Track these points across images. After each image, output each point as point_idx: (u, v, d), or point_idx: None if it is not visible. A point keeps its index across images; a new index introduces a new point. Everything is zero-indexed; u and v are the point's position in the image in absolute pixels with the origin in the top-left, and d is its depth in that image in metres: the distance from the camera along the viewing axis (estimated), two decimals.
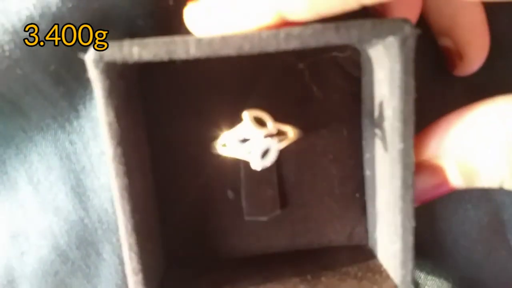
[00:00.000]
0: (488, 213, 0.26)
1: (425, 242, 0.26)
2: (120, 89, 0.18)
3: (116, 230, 0.25)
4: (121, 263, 0.25)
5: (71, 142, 0.24)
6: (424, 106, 0.20)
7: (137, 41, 0.17)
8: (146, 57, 0.17)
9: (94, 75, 0.17)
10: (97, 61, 0.17)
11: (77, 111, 0.24)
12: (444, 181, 0.20)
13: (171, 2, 0.21)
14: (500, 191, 0.25)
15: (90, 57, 0.17)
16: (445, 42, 0.23)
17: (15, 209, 0.25)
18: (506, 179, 0.20)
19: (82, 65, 0.21)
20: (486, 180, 0.20)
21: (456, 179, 0.20)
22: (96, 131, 0.24)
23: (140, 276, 0.20)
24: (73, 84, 0.24)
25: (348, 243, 0.25)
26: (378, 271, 0.23)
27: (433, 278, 0.26)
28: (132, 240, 0.19)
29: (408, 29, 0.17)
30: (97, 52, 0.17)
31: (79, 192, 0.25)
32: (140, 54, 0.17)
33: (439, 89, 0.24)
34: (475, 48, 0.23)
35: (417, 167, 0.20)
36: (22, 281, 0.26)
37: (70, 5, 0.21)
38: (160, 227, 0.23)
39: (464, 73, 0.24)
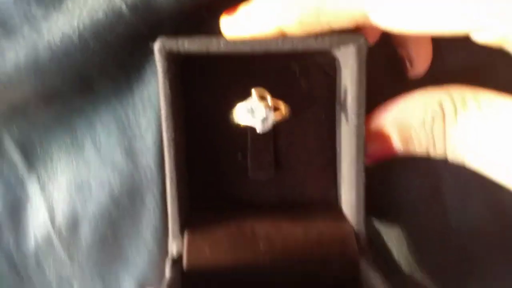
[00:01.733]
0: (430, 183, 0.30)
1: (380, 203, 0.30)
2: (172, 70, 0.24)
3: (157, 183, 0.29)
4: (159, 209, 0.29)
5: (126, 115, 0.28)
6: (385, 97, 0.26)
7: (187, 37, 0.24)
8: (192, 48, 0.23)
9: (158, 58, 0.23)
10: (161, 49, 0.23)
11: (132, 91, 0.28)
12: (390, 145, 0.25)
13: (205, 14, 0.27)
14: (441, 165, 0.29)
15: (156, 46, 0.23)
16: (401, 52, 0.28)
17: (81, 165, 0.29)
18: (430, 149, 0.24)
19: (139, 55, 0.27)
20: (417, 146, 0.24)
21: (397, 144, 0.24)
22: (145, 106, 0.28)
23: (176, 203, 0.25)
24: (132, 69, 0.28)
25: (323, 203, 0.29)
26: (341, 217, 0.27)
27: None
28: (173, 175, 0.25)
29: (362, 41, 0.24)
30: (161, 43, 0.23)
31: (131, 153, 0.28)
32: (189, 46, 0.23)
33: (397, 86, 0.27)
34: (421, 58, 0.28)
35: (369, 136, 0.25)
36: (83, 222, 0.30)
37: (135, 13, 0.25)
38: (189, 177, 0.28)
39: (414, 76, 0.28)
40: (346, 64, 0.26)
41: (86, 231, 0.30)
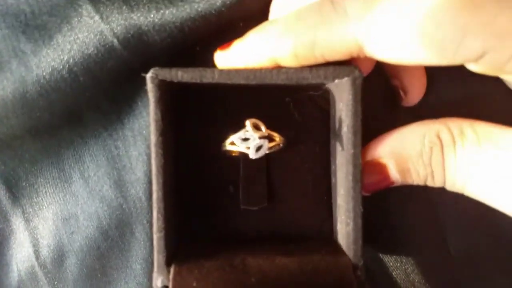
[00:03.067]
0: (427, 210, 0.30)
1: (377, 230, 0.30)
2: (164, 99, 0.24)
3: (146, 214, 0.28)
4: (149, 240, 0.29)
5: (116, 147, 0.28)
6: (379, 126, 0.26)
7: (181, 68, 0.23)
8: (185, 78, 0.23)
9: (150, 87, 0.23)
10: (154, 78, 0.23)
11: (122, 123, 0.28)
12: (386, 176, 0.24)
13: (198, 48, 0.27)
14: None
15: (149, 75, 0.23)
16: (395, 82, 0.28)
17: (68, 197, 0.29)
18: (429, 179, 0.24)
19: (131, 89, 0.27)
20: (415, 177, 0.24)
21: (395, 175, 0.24)
22: (135, 138, 0.28)
23: (162, 233, 0.24)
24: (122, 103, 0.28)
25: (318, 236, 0.29)
26: (337, 249, 0.27)
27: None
28: (160, 204, 0.24)
29: (357, 73, 0.23)
30: (154, 72, 0.23)
31: (120, 185, 0.29)
32: (182, 76, 0.23)
33: (391, 115, 0.29)
34: (415, 88, 0.28)
35: (366, 166, 0.25)
36: (70, 255, 0.29)
37: (127, 48, 0.26)
38: (178, 208, 0.27)
39: (408, 105, 0.28)
40: (340, 96, 0.26)
41: (72, 264, 0.29)
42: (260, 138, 0.25)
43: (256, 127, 0.25)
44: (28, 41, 0.26)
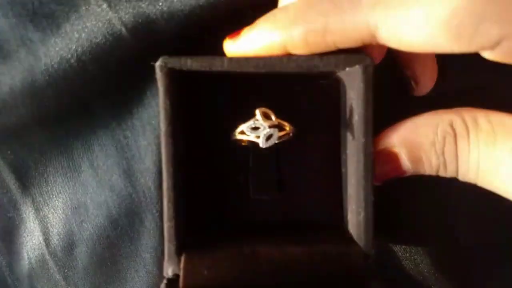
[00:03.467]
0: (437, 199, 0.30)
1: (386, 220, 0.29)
2: (173, 88, 0.24)
3: (156, 203, 0.28)
4: (159, 229, 0.29)
5: (125, 136, 0.28)
6: (390, 116, 0.25)
7: (190, 56, 0.23)
8: (194, 67, 0.23)
9: (159, 76, 0.23)
10: (163, 67, 0.23)
11: (131, 113, 0.28)
12: (398, 165, 0.24)
13: (206, 36, 0.27)
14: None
15: (158, 63, 0.23)
16: (406, 72, 0.28)
17: (78, 187, 0.29)
18: (441, 169, 0.24)
19: (139, 78, 0.26)
20: (427, 167, 0.24)
21: (406, 164, 0.24)
22: (145, 128, 0.28)
23: (173, 222, 0.24)
24: (131, 93, 0.28)
25: (329, 225, 0.29)
26: (348, 238, 0.26)
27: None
28: (171, 193, 0.24)
29: (368, 61, 0.23)
30: (163, 61, 0.23)
31: (129, 174, 0.29)
32: (191, 64, 0.23)
33: (402, 104, 0.28)
34: (426, 77, 0.28)
35: (378, 155, 0.24)
36: (80, 243, 0.29)
37: (135, 36, 0.25)
38: (188, 197, 0.27)
39: (419, 94, 0.28)
40: (351, 85, 0.25)
41: (82, 253, 0.29)
42: (270, 127, 0.24)
43: (266, 116, 0.25)
44: (36, 30, 0.26)
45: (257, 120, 0.24)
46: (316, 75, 0.26)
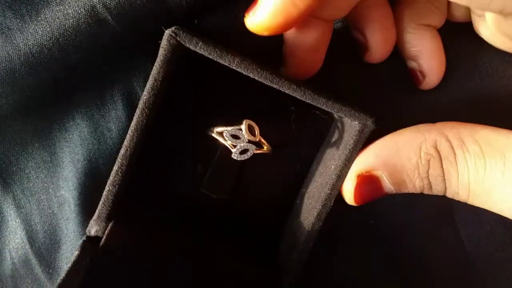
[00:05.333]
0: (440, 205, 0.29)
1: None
2: (172, 62, 0.22)
3: None
4: None
5: (108, 129, 0.27)
6: (397, 107, 0.26)
7: (204, 38, 0.21)
8: (203, 51, 0.21)
9: (164, 45, 0.21)
10: (172, 37, 0.21)
11: (115, 103, 0.27)
12: (380, 187, 0.23)
13: (196, 22, 0.25)
14: None
15: (168, 32, 0.21)
16: (412, 65, 0.27)
17: (61, 182, 0.27)
18: (426, 189, 0.23)
19: (125, 67, 0.25)
20: (410, 188, 0.23)
21: (388, 187, 0.23)
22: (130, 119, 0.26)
23: (115, 188, 0.23)
24: (116, 81, 0.26)
25: (260, 243, 0.28)
26: (272, 265, 0.27)
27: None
28: (123, 161, 0.23)
29: (370, 123, 0.23)
30: (174, 31, 0.21)
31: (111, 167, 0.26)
32: (201, 47, 0.21)
33: (407, 97, 0.28)
34: (434, 71, 0.27)
35: (359, 178, 0.23)
36: (66, 241, 0.28)
37: (120, 23, 0.24)
38: (140, 170, 0.26)
39: (426, 88, 0.27)
40: (343, 132, 0.25)
41: (68, 251, 0.28)
42: (249, 141, 0.24)
43: (250, 130, 0.24)
44: (15, 17, 0.24)
45: (240, 129, 0.24)
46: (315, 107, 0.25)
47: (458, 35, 0.27)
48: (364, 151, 0.24)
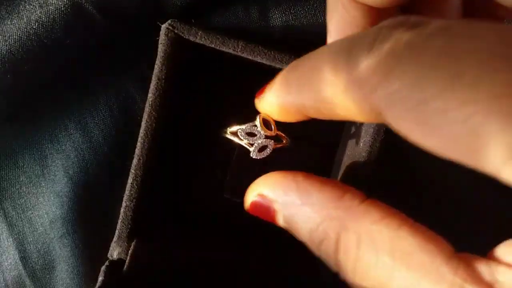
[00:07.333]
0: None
1: None
2: (174, 58, 0.21)
3: None
4: None
5: (104, 137, 0.26)
6: None
7: (203, 28, 0.20)
8: (204, 41, 0.20)
9: (163, 39, 0.20)
10: (169, 30, 0.20)
11: (107, 105, 0.25)
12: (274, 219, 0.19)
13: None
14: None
15: (165, 25, 0.20)
16: None
17: (53, 198, 0.26)
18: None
19: (114, 65, 0.24)
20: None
21: (282, 223, 0.19)
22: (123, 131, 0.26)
23: (133, 203, 0.22)
24: (105, 79, 0.25)
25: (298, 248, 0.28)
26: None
27: None
28: (138, 172, 0.22)
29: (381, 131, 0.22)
30: (171, 24, 0.20)
31: None
32: (202, 36, 0.20)
33: None
34: None
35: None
36: (61, 261, 0.26)
37: (108, 19, 0.23)
38: (157, 181, 0.25)
39: None
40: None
41: (63, 272, 0.26)
42: (266, 137, 0.22)
43: (266, 125, 0.22)
44: None
45: (255, 126, 0.22)
46: None
47: None
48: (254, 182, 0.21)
